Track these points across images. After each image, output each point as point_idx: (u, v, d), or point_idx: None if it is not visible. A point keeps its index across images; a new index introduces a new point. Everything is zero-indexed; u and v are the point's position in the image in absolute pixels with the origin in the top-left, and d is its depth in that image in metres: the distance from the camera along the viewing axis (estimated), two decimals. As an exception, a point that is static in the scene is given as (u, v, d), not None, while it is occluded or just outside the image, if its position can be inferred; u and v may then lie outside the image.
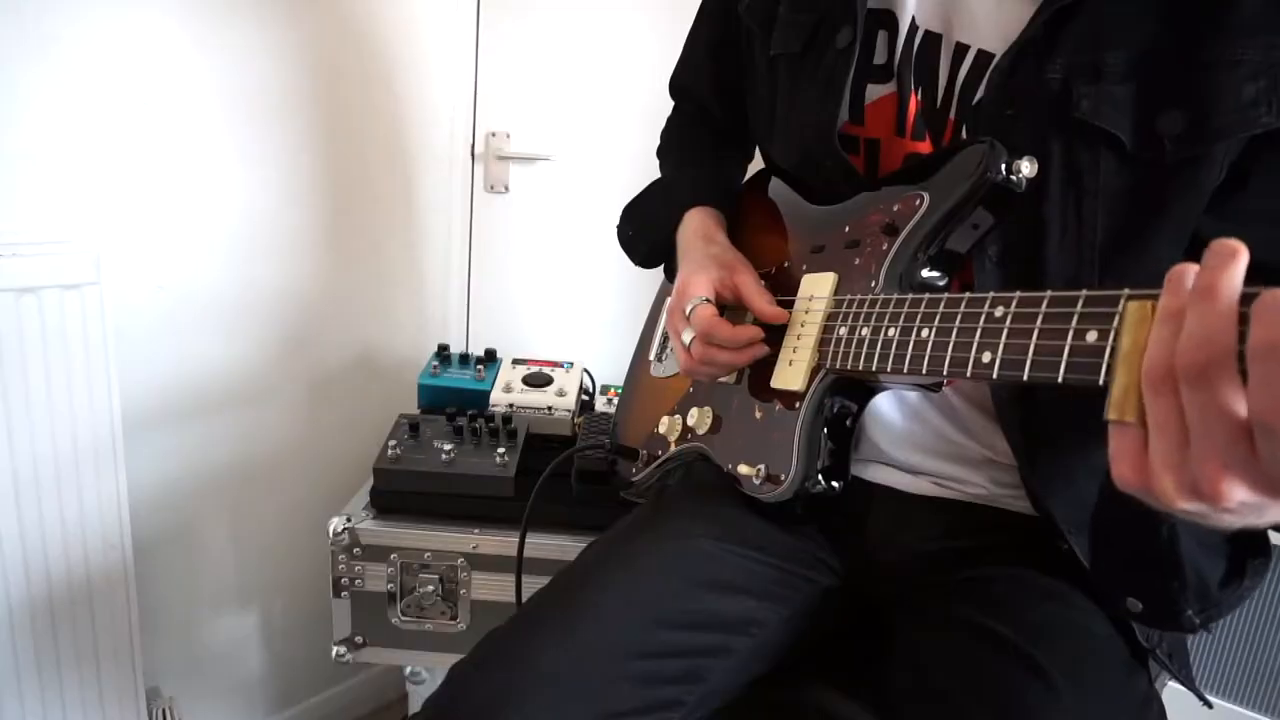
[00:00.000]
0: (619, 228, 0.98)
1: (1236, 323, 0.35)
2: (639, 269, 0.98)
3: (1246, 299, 0.36)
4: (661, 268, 0.97)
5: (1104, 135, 0.59)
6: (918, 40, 0.69)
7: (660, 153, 1.03)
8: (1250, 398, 0.35)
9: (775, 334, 0.73)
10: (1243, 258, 0.36)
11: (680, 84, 1.01)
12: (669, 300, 0.81)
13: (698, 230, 0.85)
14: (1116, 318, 0.42)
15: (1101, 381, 0.42)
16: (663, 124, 1.05)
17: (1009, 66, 0.62)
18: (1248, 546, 0.62)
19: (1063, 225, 0.62)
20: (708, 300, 0.75)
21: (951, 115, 0.69)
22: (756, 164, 0.94)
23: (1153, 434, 0.39)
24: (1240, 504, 0.37)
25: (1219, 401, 0.36)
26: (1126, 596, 0.63)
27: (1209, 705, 0.74)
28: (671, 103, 1.05)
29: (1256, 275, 0.36)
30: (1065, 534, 0.66)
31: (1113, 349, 0.42)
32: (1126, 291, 0.42)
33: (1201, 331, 0.37)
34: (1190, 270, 0.38)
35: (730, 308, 0.79)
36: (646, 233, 0.94)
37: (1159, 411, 0.38)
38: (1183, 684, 0.71)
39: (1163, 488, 0.38)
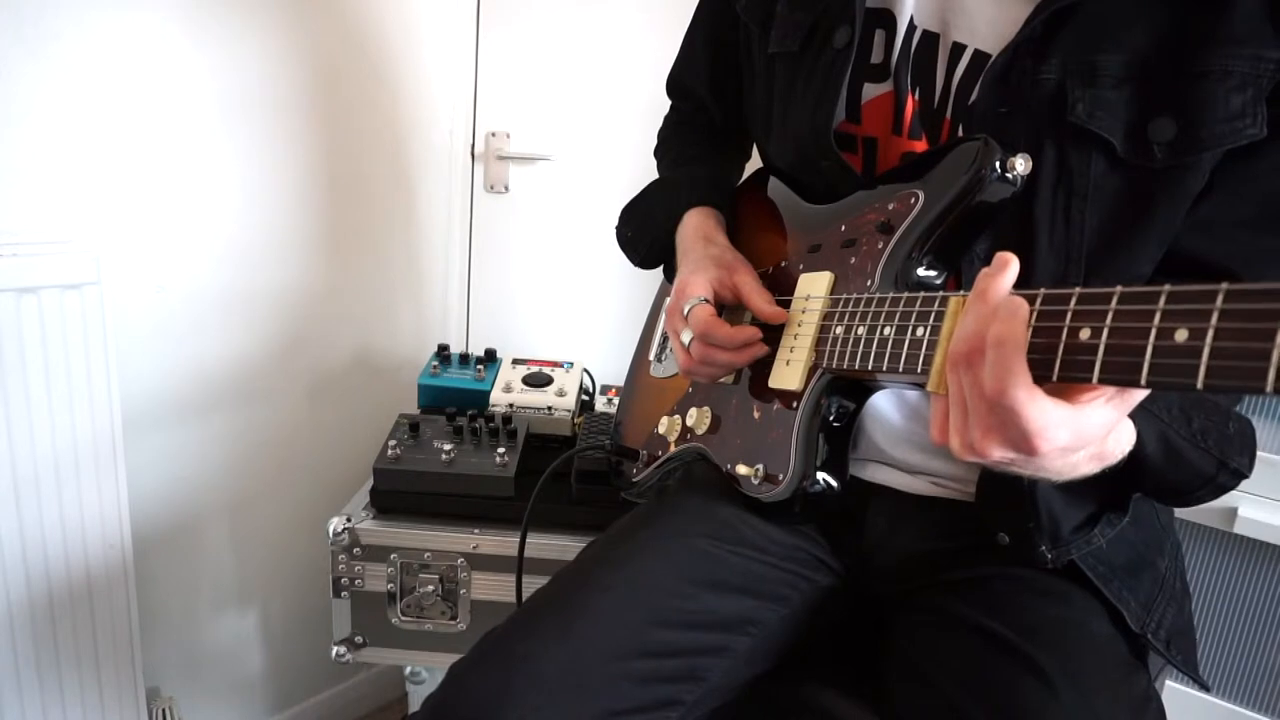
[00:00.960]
0: (618, 229, 0.98)
1: (993, 320, 0.45)
2: (639, 269, 0.98)
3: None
4: (661, 268, 0.97)
5: (1096, 139, 0.60)
6: (915, 40, 0.69)
7: (658, 152, 1.03)
8: (985, 379, 0.45)
9: (773, 333, 0.73)
10: (1012, 268, 0.46)
11: (678, 83, 1.01)
12: (668, 301, 0.81)
13: (697, 230, 0.85)
14: (938, 306, 0.53)
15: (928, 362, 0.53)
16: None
17: (1005, 66, 0.62)
18: (1108, 503, 0.69)
19: (1051, 225, 0.62)
20: (705, 301, 0.75)
21: (947, 115, 0.69)
22: (755, 163, 0.94)
23: (949, 404, 0.49)
24: (1004, 460, 0.47)
25: (978, 382, 0.46)
26: (998, 532, 0.70)
27: (1206, 689, 0.74)
28: (670, 102, 1.05)
29: (1214, 277, 0.38)
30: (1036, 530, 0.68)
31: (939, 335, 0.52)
32: (962, 291, 0.51)
33: (972, 326, 0.47)
34: None
35: (730, 308, 0.79)
36: (646, 233, 0.94)
37: (951, 387, 0.49)
38: (1180, 669, 0.71)
39: (953, 446, 0.49)
